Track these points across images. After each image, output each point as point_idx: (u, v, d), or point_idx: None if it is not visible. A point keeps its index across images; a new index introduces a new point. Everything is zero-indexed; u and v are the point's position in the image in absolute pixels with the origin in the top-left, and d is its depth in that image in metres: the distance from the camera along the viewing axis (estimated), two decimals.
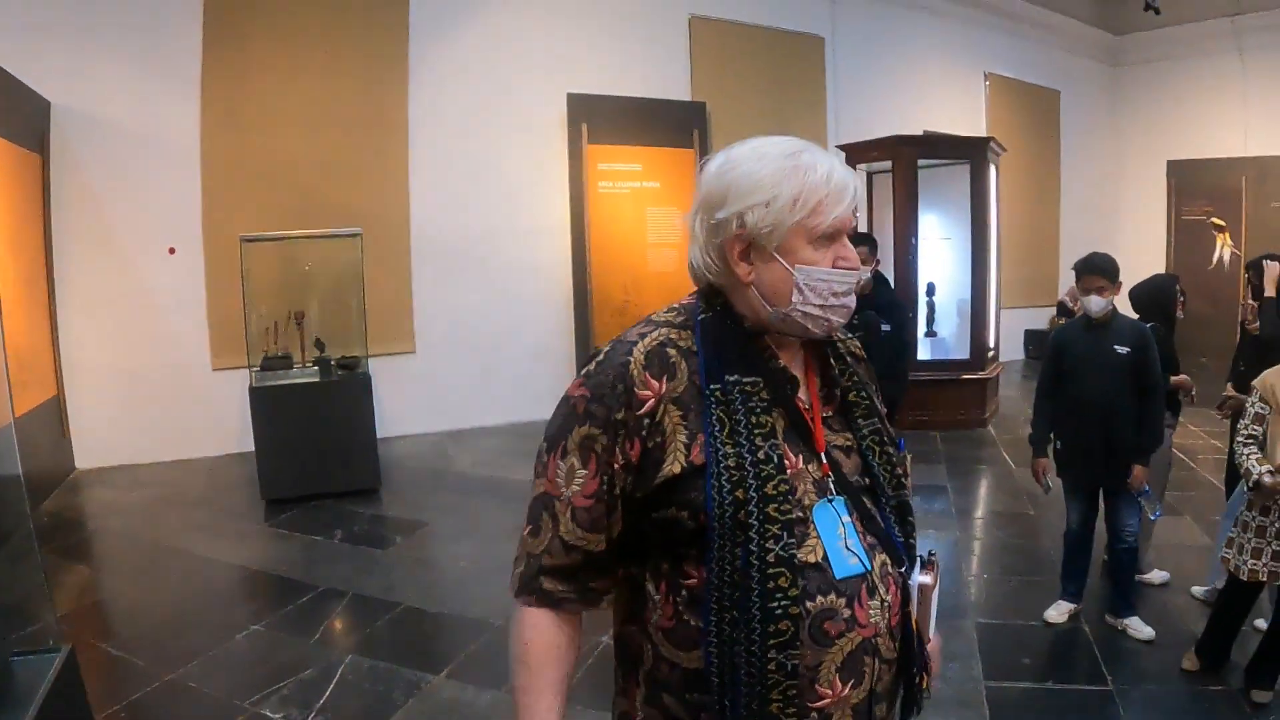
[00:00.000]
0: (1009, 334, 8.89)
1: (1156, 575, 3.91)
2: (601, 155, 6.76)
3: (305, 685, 3.07)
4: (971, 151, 7.16)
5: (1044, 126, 11.15)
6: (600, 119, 6.76)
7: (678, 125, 6.92)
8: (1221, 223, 10.36)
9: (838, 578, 1.01)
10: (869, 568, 1.04)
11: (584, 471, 1.03)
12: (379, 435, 5.63)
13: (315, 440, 5.33)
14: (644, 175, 6.88)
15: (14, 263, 5.45)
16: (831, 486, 1.06)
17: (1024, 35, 10.74)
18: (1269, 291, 3.74)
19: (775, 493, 0.99)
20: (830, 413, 1.13)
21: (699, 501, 0.99)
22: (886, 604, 1.05)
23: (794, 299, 1.05)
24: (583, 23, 7.11)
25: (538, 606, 1.08)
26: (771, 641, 0.97)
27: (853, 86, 8.52)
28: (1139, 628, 3.38)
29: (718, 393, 1.03)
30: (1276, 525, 2.78)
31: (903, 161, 6.91)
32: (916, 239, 6.97)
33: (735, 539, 0.97)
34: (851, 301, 1.09)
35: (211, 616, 3.72)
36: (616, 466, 1.02)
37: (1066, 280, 5.54)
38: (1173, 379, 3.74)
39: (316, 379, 5.54)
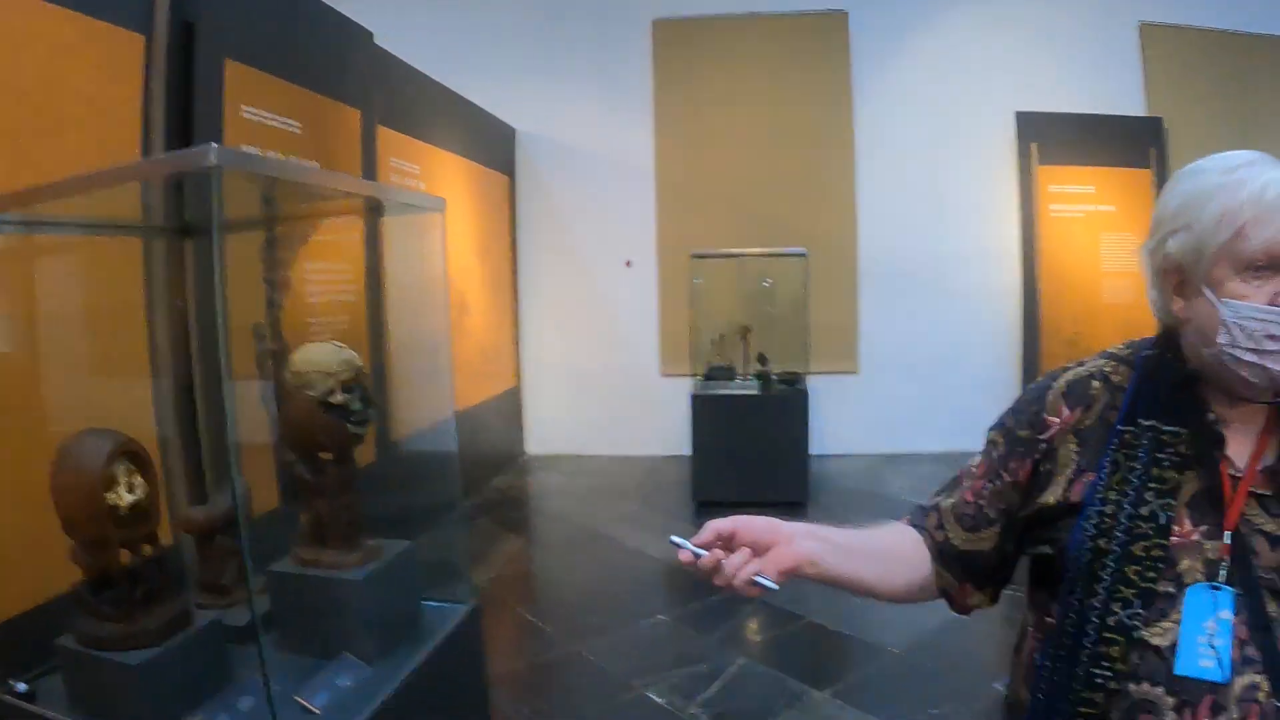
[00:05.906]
0: None
1: None
2: (1052, 177, 6.36)
3: (694, 678, 3.16)
4: None
5: None
6: (1051, 138, 6.38)
7: (1132, 143, 6.37)
8: None
9: (1176, 673, 0.87)
10: (1226, 680, 0.85)
11: (975, 470, 1.08)
12: (814, 451, 5.70)
13: (749, 450, 5.51)
14: (1097, 198, 6.39)
15: (485, 269, 6.30)
16: (1222, 572, 0.89)
17: None
18: None
19: (1143, 555, 0.90)
20: (1271, 492, 0.92)
21: (1064, 541, 0.95)
22: None
23: (1220, 339, 0.90)
24: (1028, 37, 6.75)
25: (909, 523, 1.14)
26: (1081, 709, 0.90)
27: None
28: None
29: (1126, 435, 0.96)
30: None
31: None
32: None
33: (1086, 589, 0.91)
34: None
35: (624, 601, 3.94)
36: (1005, 479, 1.03)
37: None
38: None
39: (756, 391, 5.75)
